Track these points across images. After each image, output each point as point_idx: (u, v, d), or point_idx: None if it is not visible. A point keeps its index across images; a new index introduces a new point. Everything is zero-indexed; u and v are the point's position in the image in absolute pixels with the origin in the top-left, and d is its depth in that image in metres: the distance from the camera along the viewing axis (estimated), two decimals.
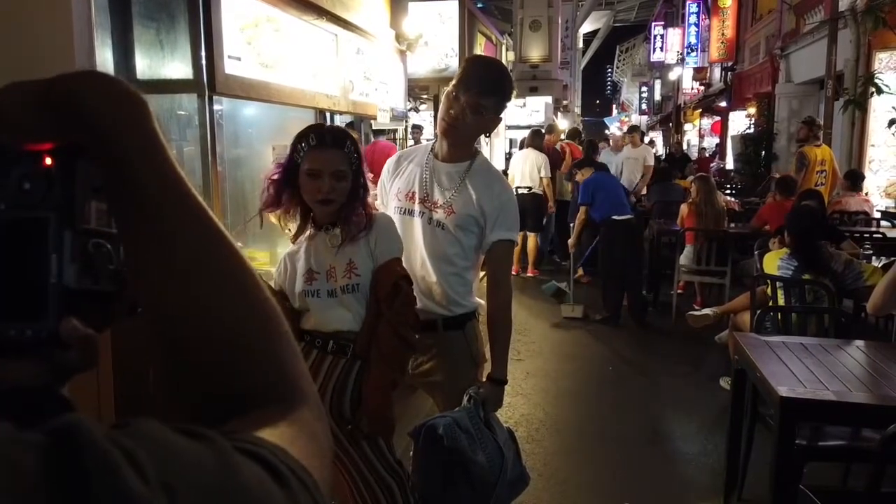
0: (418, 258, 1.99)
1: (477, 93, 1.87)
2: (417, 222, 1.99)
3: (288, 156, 1.81)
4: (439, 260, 1.96)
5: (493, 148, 10.46)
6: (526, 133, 8.18)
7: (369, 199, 1.87)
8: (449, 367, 2.00)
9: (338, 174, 1.77)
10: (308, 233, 1.86)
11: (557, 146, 8.33)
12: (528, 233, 7.26)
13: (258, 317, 0.50)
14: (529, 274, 7.45)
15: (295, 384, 0.50)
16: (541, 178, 7.16)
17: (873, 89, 6.81)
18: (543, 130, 8.14)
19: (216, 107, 2.76)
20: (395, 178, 2.08)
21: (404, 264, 1.96)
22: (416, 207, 1.99)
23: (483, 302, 2.08)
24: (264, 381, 0.49)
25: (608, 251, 5.79)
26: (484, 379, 2.01)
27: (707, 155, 15.78)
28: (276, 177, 1.80)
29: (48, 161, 0.43)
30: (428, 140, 5.46)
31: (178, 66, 2.51)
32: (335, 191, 1.76)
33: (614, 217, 5.65)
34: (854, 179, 6.62)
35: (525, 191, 7.10)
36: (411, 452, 1.89)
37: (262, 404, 0.47)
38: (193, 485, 0.33)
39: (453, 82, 1.91)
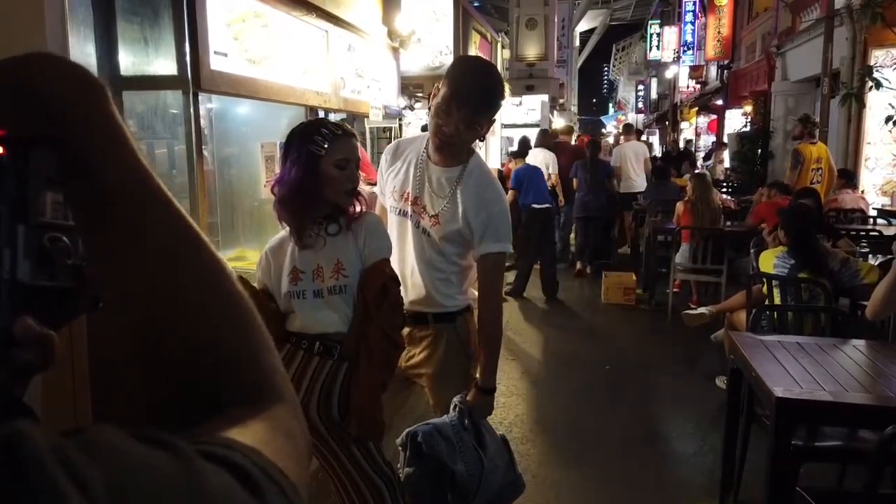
0: (409, 260, 1.97)
1: (471, 110, 1.79)
2: (409, 224, 1.97)
3: (303, 154, 1.70)
4: (426, 265, 1.94)
5: (488, 148, 10.42)
6: (521, 131, 8.34)
7: (364, 188, 1.86)
8: (439, 359, 1.97)
9: (357, 162, 1.79)
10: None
11: (574, 142, 8.88)
12: None
13: (230, 310, 0.48)
14: None
15: (270, 381, 0.48)
16: (548, 175, 7.47)
17: (871, 83, 6.75)
18: (559, 130, 8.51)
19: (207, 105, 2.72)
20: (391, 175, 2.05)
21: (397, 264, 1.94)
22: (409, 209, 1.96)
23: (476, 293, 2.05)
24: (237, 377, 0.46)
25: (525, 233, 6.48)
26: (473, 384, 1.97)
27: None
28: (298, 179, 1.70)
29: None
30: None
31: (162, 63, 2.46)
32: (358, 181, 1.79)
33: (534, 206, 6.45)
34: (848, 177, 6.62)
35: None
36: (400, 449, 1.86)
37: (236, 402, 0.44)
38: (150, 500, 0.30)
39: (443, 92, 1.80)
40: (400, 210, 1.99)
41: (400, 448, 1.81)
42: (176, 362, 0.46)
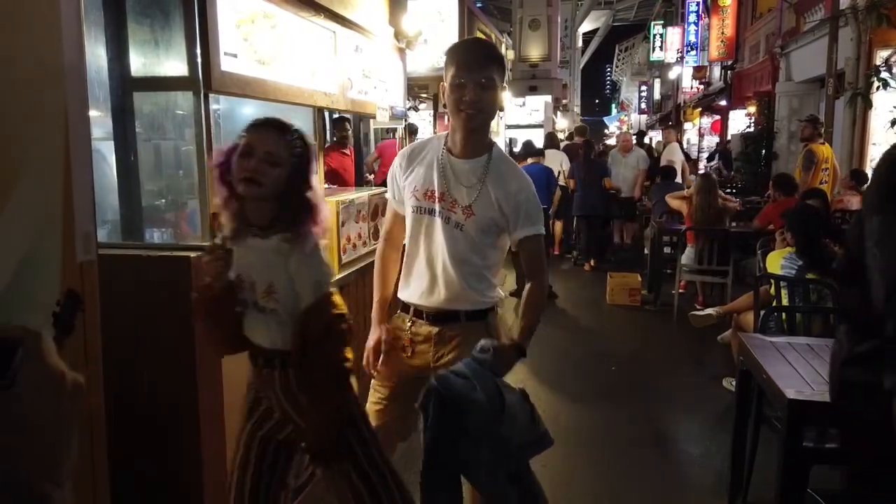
0: (440, 258, 1.94)
1: (481, 68, 1.84)
2: (438, 222, 1.94)
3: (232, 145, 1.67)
4: (459, 261, 1.92)
5: None
6: (525, 132, 8.52)
7: (320, 209, 1.69)
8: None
9: (270, 156, 1.58)
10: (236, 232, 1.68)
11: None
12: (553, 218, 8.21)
13: None
14: (555, 253, 8.56)
15: None
16: (558, 172, 7.96)
17: (879, 83, 6.73)
18: (574, 132, 9.37)
19: (213, 106, 2.71)
20: (409, 175, 2.02)
21: (426, 264, 1.92)
22: (437, 206, 1.93)
23: (503, 293, 2.06)
24: None
25: None
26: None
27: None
28: (219, 162, 1.63)
29: None
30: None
31: (173, 64, 2.46)
32: (264, 174, 1.57)
33: None
34: (859, 179, 6.60)
35: None
36: (420, 411, 1.75)
37: None
38: None
39: (451, 72, 1.86)
40: (425, 209, 1.96)
41: (419, 410, 1.70)
42: None
